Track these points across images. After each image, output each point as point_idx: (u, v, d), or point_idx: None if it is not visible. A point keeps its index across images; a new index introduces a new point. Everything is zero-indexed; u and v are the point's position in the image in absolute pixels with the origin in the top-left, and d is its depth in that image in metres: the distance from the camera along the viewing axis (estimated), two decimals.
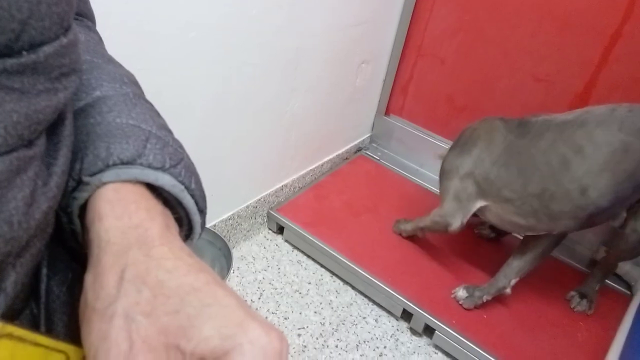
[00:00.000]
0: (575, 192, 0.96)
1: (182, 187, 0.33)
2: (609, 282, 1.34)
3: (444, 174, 1.18)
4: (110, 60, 0.42)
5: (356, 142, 1.73)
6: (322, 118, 1.47)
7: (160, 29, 0.85)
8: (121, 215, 0.29)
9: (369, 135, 1.78)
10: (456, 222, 1.12)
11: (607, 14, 1.21)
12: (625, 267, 1.34)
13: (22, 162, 0.26)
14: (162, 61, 0.89)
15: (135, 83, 0.41)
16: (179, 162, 0.34)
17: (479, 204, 1.11)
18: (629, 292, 1.32)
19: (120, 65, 0.42)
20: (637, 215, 1.06)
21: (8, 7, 0.23)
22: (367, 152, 1.75)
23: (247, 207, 1.33)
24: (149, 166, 0.31)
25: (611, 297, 1.30)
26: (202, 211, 0.35)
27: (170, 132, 0.38)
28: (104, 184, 0.30)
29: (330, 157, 1.63)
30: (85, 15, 0.46)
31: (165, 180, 0.32)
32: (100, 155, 0.31)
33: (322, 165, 1.60)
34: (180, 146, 0.37)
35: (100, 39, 0.47)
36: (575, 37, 1.27)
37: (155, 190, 0.32)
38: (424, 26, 1.53)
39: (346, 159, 1.70)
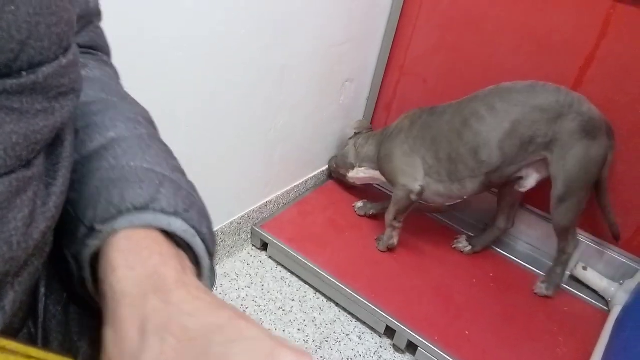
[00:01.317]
0: (470, 152, 1.20)
1: (194, 232, 0.33)
2: (587, 298, 1.37)
3: (384, 161, 1.35)
4: (126, 97, 0.42)
5: None
6: (306, 135, 1.48)
7: (148, 46, 0.86)
8: (134, 264, 0.29)
9: None
10: (415, 185, 1.27)
11: (582, 36, 1.26)
12: (602, 284, 1.36)
13: (21, 183, 0.26)
14: (149, 77, 0.89)
15: (150, 122, 0.41)
16: (192, 206, 0.33)
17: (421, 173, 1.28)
18: (606, 308, 1.34)
19: (135, 103, 0.42)
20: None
21: (7, 28, 0.23)
22: None
23: (231, 223, 1.33)
24: (162, 211, 0.31)
25: (589, 313, 1.33)
26: (212, 254, 0.35)
27: (183, 173, 0.38)
28: (117, 231, 0.30)
29: (315, 173, 1.64)
30: (101, 49, 0.46)
31: (177, 226, 0.32)
32: (113, 201, 0.31)
33: (307, 181, 1.60)
34: (193, 188, 0.37)
35: (115, 72, 0.46)
36: (553, 58, 1.31)
37: (168, 232, 0.32)
38: (406, 45, 1.56)
39: (330, 175, 1.71)
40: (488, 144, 1.18)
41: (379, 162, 1.39)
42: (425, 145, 1.26)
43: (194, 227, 0.32)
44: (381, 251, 1.39)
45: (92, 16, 0.43)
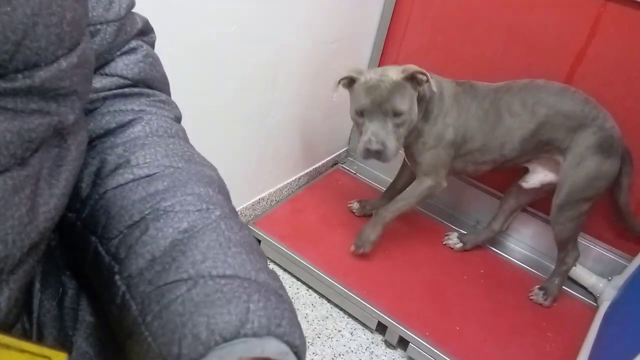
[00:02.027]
0: (498, 147, 1.22)
1: (287, 349, 0.30)
2: (575, 294, 1.39)
3: (426, 146, 1.22)
4: (192, 157, 0.40)
5: (333, 155, 1.75)
6: (299, 132, 1.49)
7: None
8: None
9: (345, 149, 1.81)
10: (445, 182, 1.26)
11: (573, 34, 1.27)
12: (591, 280, 1.38)
13: (17, 182, 0.26)
14: None
15: (221, 190, 0.39)
16: (283, 316, 0.31)
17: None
18: (595, 304, 1.36)
19: (202, 161, 0.40)
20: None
21: (2, 29, 0.23)
22: (344, 166, 1.77)
23: None
24: (254, 335, 0.29)
25: (578, 308, 1.34)
26: None
27: (265, 262, 0.35)
28: None
29: (307, 170, 1.64)
30: (157, 83, 0.42)
31: (271, 349, 0.29)
32: (200, 336, 0.28)
33: (299, 178, 1.61)
34: (280, 285, 0.34)
35: (177, 115, 0.43)
36: (544, 55, 1.32)
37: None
38: (398, 44, 1.57)
39: (323, 172, 1.72)
40: (513, 140, 1.21)
41: (416, 140, 1.23)
42: (461, 131, 1.22)
43: (287, 343, 0.30)
44: (364, 253, 1.32)
45: (127, 31, 0.40)
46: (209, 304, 0.29)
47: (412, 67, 1.10)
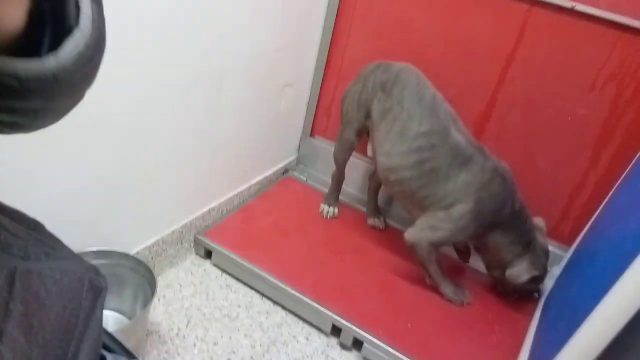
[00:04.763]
0: None
1: None
2: None
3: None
4: None
5: (283, 163, 1.76)
6: (248, 140, 1.48)
7: None
8: None
9: (295, 156, 1.82)
10: None
11: (501, 39, 1.35)
12: None
13: None
14: None
15: None
16: None
17: None
18: (537, 295, 1.43)
19: None
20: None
21: None
22: (294, 174, 1.78)
23: (173, 232, 1.30)
24: None
25: (521, 300, 1.41)
26: None
27: None
28: None
29: (258, 179, 1.64)
30: None
31: None
32: None
33: (250, 187, 1.60)
34: None
35: None
36: (476, 61, 1.40)
37: None
38: (342, 51, 1.61)
39: (274, 181, 1.72)
40: None
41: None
42: None
43: None
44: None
45: None
46: None
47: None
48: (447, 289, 1.33)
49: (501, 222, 1.23)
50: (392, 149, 1.26)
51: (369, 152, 1.42)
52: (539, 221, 1.34)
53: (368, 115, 1.36)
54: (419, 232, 1.26)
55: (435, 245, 1.26)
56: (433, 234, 1.24)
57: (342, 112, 1.45)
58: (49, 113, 0.34)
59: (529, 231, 1.26)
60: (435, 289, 1.34)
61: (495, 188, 1.21)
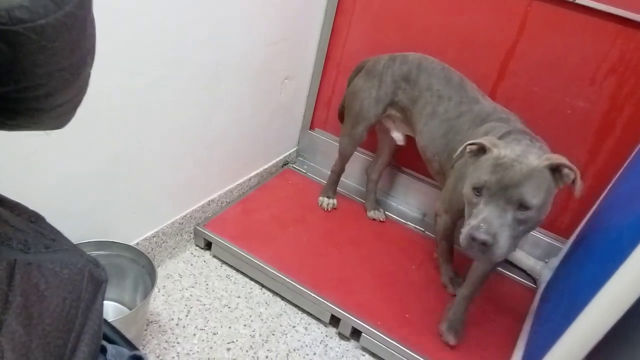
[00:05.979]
0: None
1: None
2: (516, 277, 1.46)
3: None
4: None
5: (282, 156, 1.77)
6: (247, 133, 1.49)
7: None
8: None
9: (295, 149, 1.82)
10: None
11: (502, 32, 1.34)
12: (529, 263, 1.46)
13: None
14: None
15: None
16: None
17: None
18: (534, 286, 1.44)
19: None
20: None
21: None
22: (294, 166, 1.79)
23: (172, 223, 1.31)
24: None
25: (519, 291, 1.42)
26: None
27: None
28: None
29: (258, 171, 1.64)
30: None
31: None
32: None
33: (250, 179, 1.61)
34: None
35: None
36: (477, 54, 1.39)
37: None
38: (342, 44, 1.61)
39: (273, 173, 1.73)
40: None
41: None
42: None
43: None
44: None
45: None
46: None
47: (560, 159, 0.92)
48: (445, 273, 1.36)
49: None
50: (425, 127, 1.28)
51: (398, 140, 1.47)
52: None
53: (385, 109, 1.37)
54: (439, 202, 1.28)
55: (450, 213, 1.22)
56: (443, 197, 1.24)
57: (352, 109, 1.42)
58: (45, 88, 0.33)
59: None
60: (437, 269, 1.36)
61: None
